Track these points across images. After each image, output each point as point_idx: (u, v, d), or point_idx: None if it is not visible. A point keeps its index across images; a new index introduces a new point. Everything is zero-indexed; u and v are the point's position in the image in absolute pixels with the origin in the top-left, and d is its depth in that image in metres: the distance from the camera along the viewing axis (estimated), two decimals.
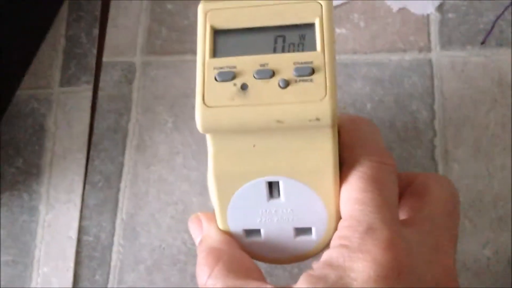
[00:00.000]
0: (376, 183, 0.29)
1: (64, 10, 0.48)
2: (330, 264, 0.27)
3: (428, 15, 0.44)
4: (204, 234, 0.33)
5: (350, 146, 0.30)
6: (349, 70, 0.43)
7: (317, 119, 0.28)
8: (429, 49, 0.43)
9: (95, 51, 0.46)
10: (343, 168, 0.30)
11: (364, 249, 0.27)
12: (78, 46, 0.46)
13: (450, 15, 0.44)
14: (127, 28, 0.47)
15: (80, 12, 0.47)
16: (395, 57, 0.43)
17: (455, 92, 0.42)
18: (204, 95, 0.29)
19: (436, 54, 0.43)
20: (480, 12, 0.43)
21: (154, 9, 0.47)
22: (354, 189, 0.29)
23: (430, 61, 0.43)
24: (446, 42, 0.43)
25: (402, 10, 0.44)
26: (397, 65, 0.43)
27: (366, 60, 0.44)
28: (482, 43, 0.42)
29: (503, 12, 0.43)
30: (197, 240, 0.33)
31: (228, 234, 0.32)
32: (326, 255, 0.28)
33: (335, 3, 0.45)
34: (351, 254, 0.27)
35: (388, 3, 0.45)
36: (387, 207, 0.28)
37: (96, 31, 0.47)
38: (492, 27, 0.42)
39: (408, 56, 0.43)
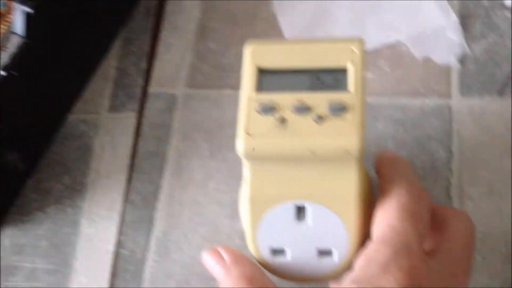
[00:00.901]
0: (411, 215, 0.32)
1: (116, 45, 0.52)
2: (356, 281, 0.30)
3: (449, 65, 0.48)
4: (231, 262, 0.35)
5: (391, 178, 0.34)
6: (374, 111, 0.47)
7: (347, 152, 0.31)
8: (449, 96, 0.47)
9: (142, 82, 0.50)
10: (382, 196, 0.33)
11: (389, 271, 0.30)
12: (127, 77, 0.51)
13: (470, 66, 0.47)
14: (172, 63, 0.51)
15: (131, 47, 0.52)
16: (417, 101, 0.47)
17: (472, 136, 0.45)
18: (247, 125, 0.32)
19: (456, 101, 0.46)
20: (498, 65, 0.47)
21: (198, 47, 0.51)
22: (391, 217, 0.32)
23: (449, 107, 0.46)
24: (466, 90, 0.46)
25: (426, 59, 0.48)
26: (419, 108, 0.46)
27: (390, 102, 0.47)
28: (499, 92, 0.45)
29: None
30: (215, 271, 0.36)
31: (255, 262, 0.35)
32: (353, 273, 0.31)
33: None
34: (376, 275, 0.30)
35: (413, 52, 0.48)
36: (416, 237, 0.31)
37: (144, 64, 0.51)
38: (509, 78, 0.46)
39: (429, 101, 0.47)
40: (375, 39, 0.49)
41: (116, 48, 0.52)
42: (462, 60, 0.48)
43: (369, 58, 0.49)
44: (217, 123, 0.48)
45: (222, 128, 0.48)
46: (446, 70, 0.47)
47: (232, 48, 0.51)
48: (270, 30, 0.51)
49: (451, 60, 0.48)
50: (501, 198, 0.43)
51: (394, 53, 0.49)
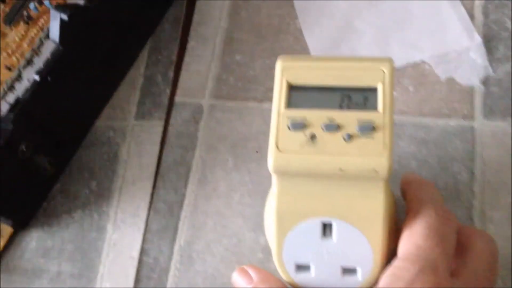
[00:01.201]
0: (438, 235, 0.33)
1: (144, 53, 0.53)
2: None
3: (473, 86, 0.48)
4: (259, 281, 0.36)
5: (419, 199, 0.35)
6: (397, 130, 0.47)
7: (375, 172, 0.32)
8: (472, 118, 0.47)
9: (168, 91, 0.51)
10: (409, 216, 0.34)
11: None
12: (154, 86, 0.52)
13: (493, 88, 0.48)
14: (198, 73, 0.52)
15: (159, 55, 0.53)
16: (440, 121, 0.47)
17: (494, 158, 0.45)
18: (277, 140, 0.33)
19: (479, 123, 0.47)
20: None
21: (224, 59, 0.52)
22: (418, 235, 0.33)
23: (472, 128, 0.47)
24: (489, 112, 0.47)
25: (449, 79, 0.49)
26: (442, 129, 0.47)
27: (413, 121, 0.48)
28: None
29: None
30: None
31: (282, 280, 0.36)
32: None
33: None
34: None
35: (437, 71, 0.49)
36: (442, 257, 0.32)
37: (171, 74, 0.52)
38: None
39: (452, 122, 0.47)
40: (399, 57, 0.50)
41: (144, 57, 0.53)
42: (486, 82, 0.48)
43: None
44: (241, 135, 0.49)
45: (246, 140, 0.49)
46: (469, 92, 0.48)
47: (257, 60, 0.52)
48: (295, 45, 0.52)
49: (475, 81, 0.48)
50: None
51: (418, 73, 0.49)
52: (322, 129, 0.33)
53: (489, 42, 0.49)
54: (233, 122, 0.50)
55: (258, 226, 0.45)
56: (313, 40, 0.52)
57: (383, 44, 0.51)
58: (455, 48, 0.49)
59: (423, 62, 0.50)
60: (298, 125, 0.33)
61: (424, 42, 0.50)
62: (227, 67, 0.52)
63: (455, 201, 0.44)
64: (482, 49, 0.49)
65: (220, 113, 0.50)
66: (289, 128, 0.33)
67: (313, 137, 0.33)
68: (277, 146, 0.33)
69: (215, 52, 0.53)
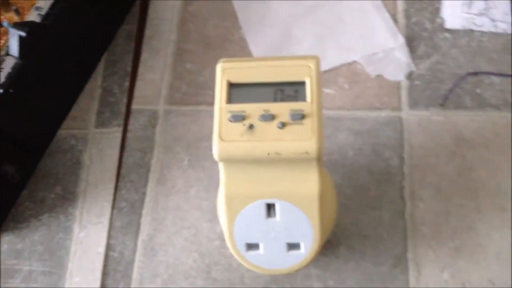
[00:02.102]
0: None
1: (101, 66, 0.58)
2: None
3: (399, 82, 0.54)
4: None
5: None
6: (335, 123, 0.53)
7: (306, 153, 0.36)
8: (400, 109, 0.53)
9: (125, 100, 0.55)
10: None
11: None
12: (111, 95, 0.56)
13: (416, 82, 0.54)
14: (153, 82, 0.56)
15: (114, 68, 0.57)
16: (372, 114, 0.53)
17: (420, 144, 0.51)
18: (220, 132, 0.37)
19: (405, 113, 0.52)
20: (441, 81, 0.53)
21: (176, 68, 0.57)
22: None
23: (400, 118, 0.52)
24: (414, 104, 0.53)
25: (379, 76, 0.54)
26: (374, 120, 0.52)
27: (349, 115, 0.53)
28: (442, 105, 0.52)
29: (459, 81, 0.53)
30: None
31: None
32: None
33: (325, 67, 0.55)
34: None
35: (368, 70, 0.55)
36: None
37: (127, 84, 0.56)
38: (450, 92, 0.52)
39: (383, 114, 0.53)
40: (334, 59, 0.55)
41: (100, 69, 0.57)
42: (410, 77, 0.54)
43: (329, 76, 0.55)
44: (195, 136, 0.53)
45: (200, 141, 0.53)
46: (396, 86, 0.54)
47: (207, 68, 0.56)
48: (241, 52, 0.57)
49: (400, 77, 0.54)
50: (447, 198, 0.48)
51: (351, 72, 0.55)
52: (259, 119, 0.37)
53: (411, 42, 0.56)
54: (187, 124, 0.54)
55: (214, 216, 0.49)
56: (257, 47, 0.57)
57: (319, 48, 0.56)
58: (382, 48, 0.55)
59: (355, 62, 0.55)
60: (238, 117, 0.37)
61: (355, 45, 0.56)
62: (179, 75, 0.56)
63: (388, 183, 0.50)
64: (405, 49, 0.55)
65: (175, 117, 0.55)
66: (230, 120, 0.38)
67: (251, 126, 0.37)
68: (220, 137, 0.37)
69: (167, 62, 0.57)
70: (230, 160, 0.38)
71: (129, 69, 0.57)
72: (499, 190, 0.48)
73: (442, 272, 0.46)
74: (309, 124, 0.37)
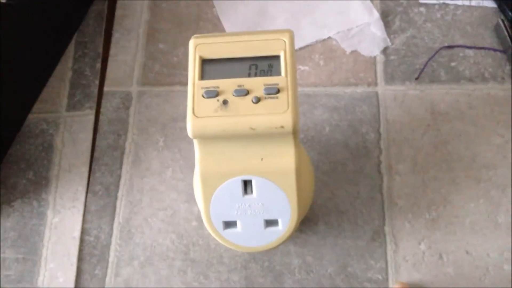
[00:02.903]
0: None
1: (71, 48, 0.56)
2: None
3: (375, 57, 0.54)
4: None
5: None
6: (311, 100, 0.52)
7: (282, 127, 0.36)
8: (375, 84, 0.53)
9: (97, 82, 0.54)
10: None
11: None
12: (83, 78, 0.55)
13: (392, 57, 0.54)
14: (125, 63, 0.55)
15: (85, 49, 0.56)
16: (348, 90, 0.53)
17: (396, 118, 0.51)
18: (194, 108, 0.37)
19: (381, 88, 0.52)
20: (416, 55, 0.53)
21: (149, 48, 0.56)
22: None
23: (376, 93, 0.52)
24: (389, 78, 0.53)
25: (354, 52, 0.54)
26: (350, 96, 0.52)
27: (325, 92, 0.53)
28: (416, 79, 0.52)
29: (434, 55, 0.53)
30: None
31: None
32: None
33: (300, 44, 0.54)
34: None
35: (343, 46, 0.54)
36: None
37: (98, 65, 0.55)
38: (424, 66, 0.52)
39: (359, 89, 0.53)
40: (309, 36, 0.55)
41: (71, 51, 0.56)
42: (385, 52, 0.54)
43: (304, 53, 0.55)
44: (169, 116, 0.53)
45: (174, 121, 0.52)
46: (372, 62, 0.54)
47: (180, 47, 0.55)
48: (214, 31, 0.56)
49: (376, 52, 0.54)
50: (424, 171, 0.49)
51: (327, 48, 0.55)
52: (233, 94, 0.37)
53: (386, 17, 0.55)
54: (161, 105, 0.53)
55: (191, 197, 0.49)
56: (230, 25, 0.56)
57: (294, 25, 0.56)
58: (357, 24, 0.55)
59: (330, 38, 0.55)
60: (212, 93, 0.37)
61: (330, 21, 0.56)
62: (152, 56, 0.55)
63: (365, 158, 0.50)
64: (381, 23, 0.55)
65: (149, 98, 0.54)
66: (203, 96, 0.37)
67: (225, 102, 0.37)
68: (194, 113, 0.37)
69: (139, 43, 0.56)
70: (204, 137, 0.37)
71: (100, 50, 0.56)
72: (473, 161, 0.49)
73: (419, 244, 0.46)
74: (284, 98, 0.36)
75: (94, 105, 0.53)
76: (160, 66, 0.55)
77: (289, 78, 0.37)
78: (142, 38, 0.56)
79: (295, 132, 0.37)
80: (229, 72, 0.38)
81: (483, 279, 0.45)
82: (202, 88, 0.37)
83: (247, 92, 0.37)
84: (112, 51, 0.56)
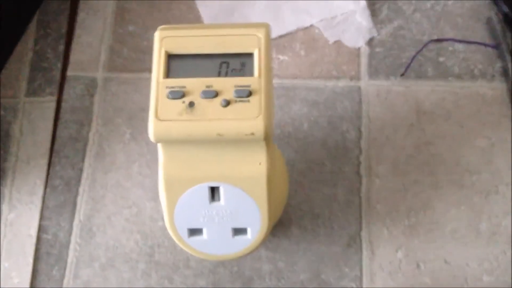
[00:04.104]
0: None
1: (32, 27, 0.52)
2: None
3: (359, 48, 0.50)
4: None
5: None
6: (289, 93, 0.49)
7: (252, 134, 0.33)
8: (358, 78, 0.49)
9: (60, 66, 0.50)
10: None
11: None
12: (44, 60, 0.51)
13: (377, 49, 0.50)
14: (90, 46, 0.51)
15: (48, 29, 0.52)
16: (330, 83, 0.49)
17: (379, 116, 0.48)
18: (157, 110, 0.33)
19: (364, 83, 0.49)
20: (403, 48, 0.50)
21: (117, 30, 0.52)
22: None
23: (359, 88, 0.49)
24: (373, 73, 0.49)
25: (337, 42, 0.51)
26: (331, 90, 0.49)
27: (305, 84, 0.49)
28: (402, 75, 0.49)
29: (421, 49, 0.50)
30: None
31: None
32: None
33: (279, 32, 0.51)
34: None
35: (325, 35, 0.51)
36: None
37: (61, 47, 0.51)
38: (411, 61, 0.49)
39: (341, 83, 0.49)
40: (290, 23, 0.51)
41: (32, 31, 0.52)
42: (370, 43, 0.50)
43: (285, 41, 0.51)
44: (138, 106, 0.49)
45: (143, 111, 0.49)
46: (356, 53, 0.50)
47: (151, 30, 0.51)
48: (188, 13, 0.52)
49: (360, 43, 0.50)
50: (404, 174, 0.46)
51: (309, 37, 0.51)
52: (201, 96, 0.33)
53: (373, 5, 0.52)
54: (129, 94, 0.50)
55: (158, 195, 0.46)
56: (206, 8, 0.52)
57: (274, 10, 0.52)
58: (341, 12, 0.51)
59: (313, 26, 0.51)
60: (177, 94, 0.33)
61: (313, 7, 0.52)
62: (120, 38, 0.51)
63: (344, 158, 0.47)
64: (367, 12, 0.51)
65: (115, 86, 0.50)
66: (168, 97, 0.34)
67: (191, 104, 0.33)
68: (156, 116, 0.33)
69: (106, 23, 0.52)
70: (168, 142, 0.34)
71: (64, 30, 0.51)
72: (457, 165, 0.46)
73: (397, 252, 0.44)
74: (256, 102, 0.33)
75: (56, 91, 0.49)
76: (128, 50, 0.51)
77: (262, 80, 0.34)
78: (110, 19, 0.52)
79: (267, 139, 0.34)
80: (198, 70, 0.34)
81: None
82: (166, 87, 0.34)
83: (216, 94, 0.33)
84: (77, 32, 0.52)
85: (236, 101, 0.33)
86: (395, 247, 0.44)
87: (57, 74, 0.50)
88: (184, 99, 0.33)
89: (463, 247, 0.44)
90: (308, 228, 0.45)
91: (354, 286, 0.43)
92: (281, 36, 0.51)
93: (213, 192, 0.36)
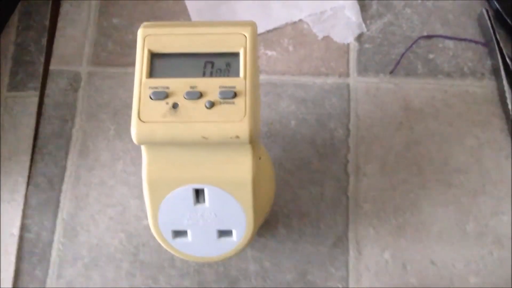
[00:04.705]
0: None
1: (14, 19, 0.50)
2: None
3: (348, 44, 0.50)
4: None
5: None
6: (277, 90, 0.48)
7: (237, 137, 0.32)
8: (347, 75, 0.49)
9: (42, 59, 0.49)
10: None
11: None
12: (27, 54, 0.49)
13: (367, 45, 0.49)
14: (74, 39, 0.50)
15: (30, 21, 0.50)
16: (318, 80, 0.49)
17: (367, 114, 0.47)
18: (139, 111, 0.32)
19: (353, 80, 0.49)
20: (392, 44, 0.49)
21: (101, 23, 0.50)
22: None
23: (348, 85, 0.48)
24: (362, 69, 0.49)
25: (326, 38, 0.50)
26: (319, 87, 0.48)
27: (293, 81, 0.49)
28: (391, 72, 0.48)
29: (411, 46, 0.49)
30: None
31: None
32: None
33: (268, 27, 0.50)
34: None
35: (314, 30, 0.50)
36: None
37: (44, 40, 0.50)
38: (400, 59, 0.48)
39: (329, 80, 0.49)
40: (279, 17, 0.50)
41: (14, 23, 0.50)
42: (360, 39, 0.50)
43: (273, 36, 0.50)
44: (123, 102, 0.48)
45: (128, 107, 0.48)
46: (345, 50, 0.49)
47: (136, 24, 0.50)
48: (175, 6, 0.51)
49: (350, 39, 0.50)
50: (392, 173, 0.46)
51: (297, 32, 0.50)
52: (184, 97, 0.33)
53: (363, 0, 0.51)
54: (114, 89, 0.48)
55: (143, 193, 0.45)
56: (193, 2, 0.51)
57: (263, 4, 0.51)
58: (331, 6, 0.50)
59: (302, 21, 0.50)
60: (160, 95, 0.33)
61: (303, 2, 0.51)
62: (105, 32, 0.50)
63: (332, 156, 0.46)
64: (357, 7, 0.50)
65: (100, 80, 0.49)
66: (151, 97, 0.33)
67: (175, 105, 0.32)
68: (139, 117, 0.32)
69: (91, 16, 0.50)
70: (151, 144, 0.33)
71: (47, 23, 0.50)
72: (446, 165, 0.46)
73: (383, 252, 0.44)
74: (241, 104, 0.32)
75: (39, 85, 0.48)
76: (113, 44, 0.50)
77: (248, 81, 0.33)
78: (94, 11, 0.51)
79: (252, 142, 0.33)
80: (182, 70, 0.33)
81: None
82: (149, 88, 0.33)
83: (200, 95, 0.33)
84: (60, 24, 0.50)
85: (221, 103, 0.32)
86: (381, 248, 0.44)
87: (39, 68, 0.49)
88: (168, 100, 0.33)
89: (449, 247, 0.44)
90: (295, 227, 0.45)
91: (340, 286, 0.43)
92: (269, 31, 0.50)
93: (198, 194, 0.36)
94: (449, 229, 0.44)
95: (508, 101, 0.46)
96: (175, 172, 0.35)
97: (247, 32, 0.34)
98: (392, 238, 0.44)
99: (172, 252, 0.38)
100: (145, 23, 0.35)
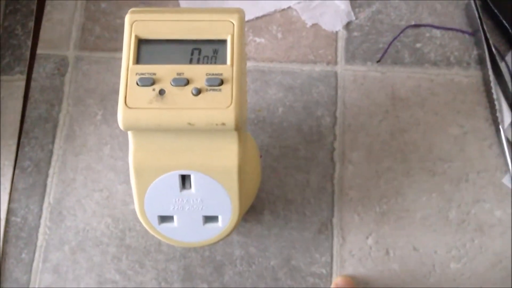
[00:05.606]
0: None
1: (1, 2, 0.50)
2: None
3: (336, 32, 0.50)
4: None
5: None
6: (265, 77, 0.48)
7: (223, 124, 0.32)
8: (335, 63, 0.49)
9: (29, 43, 0.49)
10: None
11: None
12: (14, 37, 0.49)
13: (355, 33, 0.50)
14: (61, 23, 0.49)
15: (17, 4, 0.50)
16: (306, 67, 0.49)
17: (354, 102, 0.48)
18: (126, 97, 0.32)
19: (341, 68, 0.49)
20: (380, 33, 0.50)
21: (89, 7, 0.50)
22: None
23: (335, 73, 0.49)
24: (350, 57, 0.49)
25: (315, 25, 0.50)
26: (307, 75, 0.49)
27: (281, 68, 0.49)
28: (378, 61, 0.48)
29: (399, 35, 0.49)
30: None
31: None
32: None
33: (257, 13, 0.50)
34: None
35: (303, 18, 0.50)
36: None
37: (31, 24, 0.49)
38: (388, 47, 0.49)
39: (317, 68, 0.49)
40: (268, 4, 0.50)
41: (1, 6, 0.50)
42: (348, 27, 0.50)
43: (262, 23, 0.50)
44: (110, 87, 0.48)
45: (115, 92, 0.48)
46: (333, 37, 0.50)
47: (124, 8, 0.50)
48: None
49: (338, 27, 0.50)
50: (378, 161, 0.46)
51: (286, 20, 0.50)
52: (171, 84, 0.33)
53: None
54: (101, 74, 0.48)
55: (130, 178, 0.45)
56: None
57: None
58: None
59: (291, 8, 0.50)
60: (147, 81, 0.33)
61: None
62: (92, 16, 0.50)
63: (318, 144, 0.47)
64: None
65: (87, 65, 0.49)
66: (137, 84, 0.33)
67: (161, 92, 0.33)
68: (125, 103, 0.32)
69: (78, 0, 0.50)
70: (137, 130, 0.33)
71: (34, 6, 0.50)
72: (430, 153, 0.46)
73: (367, 238, 0.45)
74: (228, 91, 0.33)
75: (25, 69, 0.48)
76: (101, 29, 0.49)
77: (234, 68, 0.33)
78: None
79: (238, 129, 0.33)
80: (169, 57, 0.33)
81: (428, 276, 0.44)
82: (136, 74, 0.33)
83: (187, 82, 0.33)
84: (47, 8, 0.50)
85: (207, 90, 0.33)
86: (365, 234, 0.45)
87: (26, 52, 0.48)
88: (154, 86, 0.33)
89: (432, 234, 0.45)
90: (280, 214, 0.45)
91: (324, 271, 0.44)
92: (258, 18, 0.50)
93: (184, 180, 0.36)
94: (432, 216, 0.45)
95: (493, 91, 0.47)
96: (161, 159, 0.35)
97: (234, 20, 0.34)
98: (376, 224, 0.45)
99: (158, 237, 0.38)
100: (132, 9, 0.35)
